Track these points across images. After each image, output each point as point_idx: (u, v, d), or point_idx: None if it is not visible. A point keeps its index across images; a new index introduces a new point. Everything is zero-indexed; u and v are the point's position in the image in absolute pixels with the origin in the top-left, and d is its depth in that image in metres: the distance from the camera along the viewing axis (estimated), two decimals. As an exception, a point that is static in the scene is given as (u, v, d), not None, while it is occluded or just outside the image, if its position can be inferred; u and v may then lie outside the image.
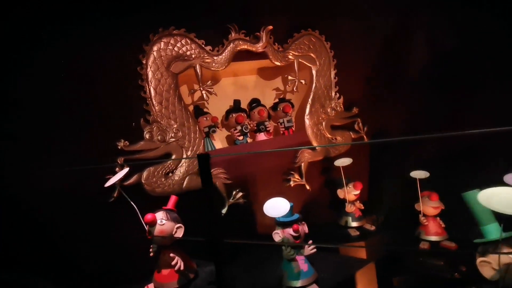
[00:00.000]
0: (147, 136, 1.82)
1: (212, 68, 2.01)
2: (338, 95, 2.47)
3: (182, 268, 1.43)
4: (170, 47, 1.88)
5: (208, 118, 2.15)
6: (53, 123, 1.58)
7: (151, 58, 1.82)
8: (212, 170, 1.98)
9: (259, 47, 2.11)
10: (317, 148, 2.38)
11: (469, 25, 2.24)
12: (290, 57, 2.26)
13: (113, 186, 1.65)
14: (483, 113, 2.16)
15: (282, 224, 1.61)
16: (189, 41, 1.93)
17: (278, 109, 2.37)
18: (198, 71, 1.97)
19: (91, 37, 1.65)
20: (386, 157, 2.44)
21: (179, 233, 1.47)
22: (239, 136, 2.23)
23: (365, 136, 2.54)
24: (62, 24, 1.58)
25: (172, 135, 1.89)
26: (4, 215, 1.42)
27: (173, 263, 1.42)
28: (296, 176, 2.32)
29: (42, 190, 1.47)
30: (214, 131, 2.13)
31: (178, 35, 1.89)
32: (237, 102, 2.27)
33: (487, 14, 2.16)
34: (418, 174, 2.01)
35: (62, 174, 1.48)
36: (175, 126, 1.90)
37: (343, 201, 2.27)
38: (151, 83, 1.82)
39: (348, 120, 2.54)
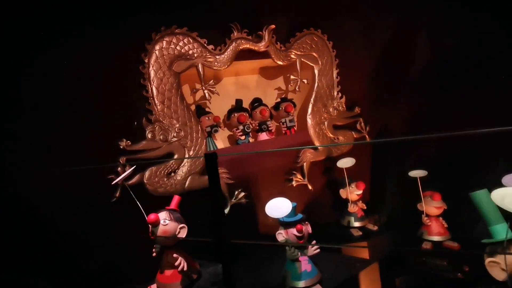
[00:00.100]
0: (149, 135, 1.80)
1: (214, 67, 2.00)
2: (340, 94, 2.46)
3: (185, 268, 1.42)
4: (172, 46, 1.86)
5: (210, 118, 2.14)
6: (55, 122, 1.56)
7: (153, 57, 1.81)
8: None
9: (261, 46, 2.10)
10: (319, 147, 2.37)
11: (471, 25, 2.23)
12: (292, 56, 2.26)
13: (115, 186, 1.65)
14: (485, 113, 2.15)
15: (286, 224, 1.60)
16: (191, 40, 1.91)
17: (280, 108, 2.36)
18: (200, 70, 1.96)
19: (92, 36, 1.63)
20: (388, 157, 2.43)
21: (182, 234, 1.45)
22: (241, 135, 2.22)
23: (367, 136, 2.54)
24: (63, 23, 1.57)
25: (174, 134, 1.87)
26: (6, 215, 1.40)
27: (176, 263, 1.41)
28: (298, 176, 2.31)
29: (44, 190, 1.45)
30: (216, 131, 2.11)
31: (180, 34, 1.88)
32: (239, 102, 2.26)
33: (488, 14, 2.16)
34: (417, 173, 2.00)
35: (64, 174, 1.47)
36: (177, 125, 1.89)
37: (346, 201, 2.26)
38: (153, 82, 1.81)
39: (350, 119, 2.53)
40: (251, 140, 2.27)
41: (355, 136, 2.52)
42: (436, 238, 2.03)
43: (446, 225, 2.06)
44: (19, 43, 1.49)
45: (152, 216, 1.39)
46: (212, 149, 2.11)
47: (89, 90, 1.64)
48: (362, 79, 2.52)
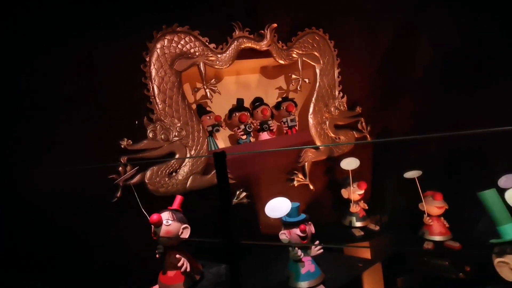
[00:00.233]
0: (150, 135, 1.78)
1: (216, 66, 1.98)
2: (341, 94, 2.45)
3: (188, 269, 1.40)
4: (174, 45, 1.84)
5: (211, 117, 2.12)
6: (55, 121, 1.54)
7: (155, 56, 1.79)
8: (215, 170, 1.98)
9: (263, 45, 2.09)
10: (320, 147, 2.36)
11: (472, 25, 2.24)
12: (294, 55, 2.24)
13: (116, 185, 1.63)
14: (486, 113, 2.16)
15: (289, 224, 1.59)
16: (193, 39, 1.89)
17: (281, 108, 2.35)
18: (201, 69, 1.94)
19: (93, 34, 1.61)
20: (389, 157, 2.43)
21: (185, 234, 1.44)
22: (242, 135, 2.20)
23: (368, 136, 2.53)
24: (64, 22, 1.54)
25: (176, 134, 1.85)
26: (7, 214, 1.38)
27: (179, 264, 1.39)
28: (300, 175, 2.30)
29: (45, 189, 1.43)
30: (217, 130, 2.10)
31: (181, 33, 1.86)
32: (240, 101, 2.24)
33: (488, 14, 2.16)
34: (412, 174, 2.00)
35: (64, 173, 1.45)
36: (179, 125, 1.87)
37: (347, 201, 2.26)
38: (155, 81, 1.79)
39: (352, 119, 2.52)
40: (252, 139, 2.26)
41: (356, 136, 2.52)
42: (437, 238, 2.04)
43: (447, 225, 2.06)
44: (19, 41, 1.46)
45: (154, 217, 1.37)
46: (213, 148, 2.10)
47: (90, 89, 1.62)
48: (363, 78, 2.52)
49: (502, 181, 1.72)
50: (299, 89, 2.34)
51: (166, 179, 1.82)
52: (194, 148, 1.91)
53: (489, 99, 2.17)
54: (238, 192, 2.05)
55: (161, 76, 1.81)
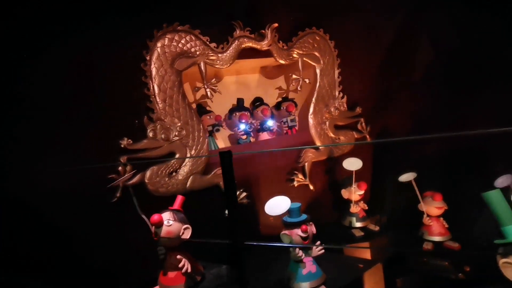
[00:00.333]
0: (150, 134, 1.77)
1: (216, 66, 1.97)
2: (341, 94, 2.45)
3: (189, 270, 1.39)
4: (175, 44, 1.83)
5: (211, 117, 2.11)
6: (55, 121, 1.52)
7: (155, 55, 1.77)
8: (215, 170, 1.97)
9: (264, 44, 2.08)
10: (320, 147, 2.36)
11: (472, 26, 2.24)
12: (294, 55, 2.24)
13: (116, 186, 1.61)
14: (486, 113, 2.16)
15: (290, 224, 1.58)
16: (193, 38, 1.88)
17: (282, 108, 2.35)
18: (202, 68, 1.93)
19: (93, 32, 1.59)
20: (389, 157, 2.43)
21: (187, 234, 1.42)
22: (242, 135, 2.19)
23: (368, 136, 2.53)
24: (63, 21, 1.53)
25: (176, 133, 1.84)
26: (7, 214, 1.36)
27: (180, 265, 1.38)
28: (300, 176, 2.29)
29: (44, 189, 1.41)
30: (218, 130, 2.09)
31: (182, 32, 1.85)
32: (240, 101, 2.23)
33: (490, 15, 2.17)
34: (407, 177, 2.00)
35: (64, 173, 1.43)
36: (179, 124, 1.85)
37: (347, 201, 2.26)
38: (155, 80, 1.77)
39: (352, 119, 2.52)
40: (252, 139, 2.25)
41: (356, 136, 2.52)
42: (437, 238, 2.04)
43: (446, 225, 2.07)
44: (19, 41, 1.44)
45: (155, 217, 1.35)
46: (213, 148, 2.09)
47: (90, 88, 1.60)
48: (363, 79, 2.52)
49: (499, 182, 1.73)
50: (299, 89, 2.34)
51: (166, 179, 1.80)
52: (194, 148, 1.90)
53: (489, 99, 2.17)
54: (238, 193, 2.04)
55: (162, 75, 1.79)
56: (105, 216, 1.57)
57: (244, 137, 2.20)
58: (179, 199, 1.51)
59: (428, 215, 2.05)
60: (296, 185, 2.27)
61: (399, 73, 2.54)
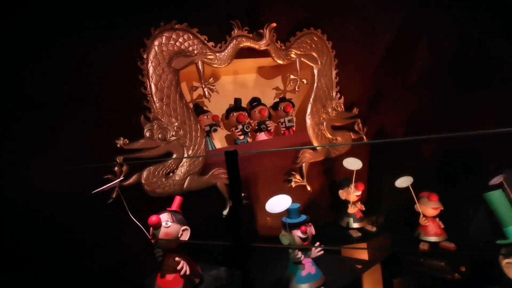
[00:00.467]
0: (147, 134, 1.73)
1: (214, 65, 1.95)
2: (339, 95, 2.45)
3: (188, 272, 1.37)
4: (172, 42, 1.80)
5: (209, 117, 2.09)
6: (49, 120, 1.47)
7: (152, 53, 1.74)
8: (213, 170, 1.94)
9: (262, 44, 2.07)
10: (318, 148, 2.36)
11: (470, 26, 2.27)
12: (292, 55, 2.23)
13: (112, 187, 1.58)
14: (483, 114, 2.19)
15: (290, 225, 1.57)
16: (191, 37, 1.86)
17: (279, 108, 2.33)
18: (200, 67, 1.90)
19: (89, 30, 1.55)
20: (385, 158, 2.44)
21: (185, 236, 1.40)
22: (240, 135, 2.17)
23: (364, 137, 2.54)
24: (59, 17, 1.49)
25: (173, 133, 1.81)
26: (2, 214, 1.31)
27: (178, 267, 1.35)
28: (297, 176, 2.28)
29: (38, 189, 1.37)
30: (215, 130, 2.06)
31: (180, 30, 1.82)
32: (238, 101, 2.21)
33: (488, 15, 2.19)
34: (403, 182, 1.99)
35: (58, 173, 1.39)
36: (176, 124, 1.82)
37: (344, 202, 2.25)
38: (152, 79, 1.74)
39: (349, 120, 2.52)
40: (249, 140, 2.23)
41: (353, 137, 2.52)
42: (433, 238, 2.05)
43: (442, 226, 2.08)
44: (15, 40, 1.40)
45: (153, 218, 1.33)
46: (210, 148, 2.06)
47: (85, 86, 1.56)
48: (361, 79, 2.52)
49: (493, 180, 1.75)
50: (297, 89, 2.33)
51: (163, 179, 1.77)
52: (191, 148, 1.87)
53: (485, 101, 2.20)
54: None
55: (159, 74, 1.76)
56: (100, 217, 1.53)
57: (242, 137, 2.18)
58: (177, 200, 1.49)
59: (424, 216, 2.06)
60: (293, 186, 2.26)
61: (396, 74, 2.55)
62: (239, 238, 0.88)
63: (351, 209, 2.21)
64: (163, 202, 1.60)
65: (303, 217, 1.59)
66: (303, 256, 1.55)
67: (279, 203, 1.45)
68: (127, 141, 1.66)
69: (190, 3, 1.85)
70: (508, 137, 0.96)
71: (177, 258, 1.37)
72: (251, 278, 0.91)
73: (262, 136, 2.26)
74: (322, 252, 1.58)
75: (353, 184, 2.17)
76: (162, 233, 1.35)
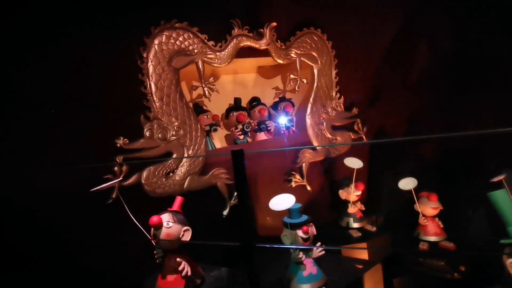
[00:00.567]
0: (147, 133, 1.72)
1: (214, 64, 1.93)
2: (338, 95, 2.45)
3: (189, 273, 1.35)
4: (172, 41, 1.79)
5: (208, 116, 2.08)
6: (49, 120, 1.46)
7: (152, 52, 1.73)
8: (213, 170, 1.93)
9: (262, 44, 2.06)
10: (318, 148, 2.35)
11: (470, 26, 2.27)
12: (292, 55, 2.22)
13: (111, 187, 1.56)
14: (482, 114, 2.20)
15: (291, 225, 1.56)
16: (191, 36, 1.84)
17: (279, 108, 2.33)
18: (200, 66, 1.89)
19: (89, 29, 1.54)
20: (385, 158, 2.44)
21: (187, 236, 1.38)
22: (240, 135, 2.16)
23: (364, 137, 2.54)
24: (59, 17, 1.47)
25: (173, 133, 1.80)
26: (1, 214, 1.30)
27: (180, 268, 1.34)
28: (298, 176, 2.28)
29: (37, 189, 1.35)
30: (215, 130, 2.05)
31: (180, 29, 1.81)
32: (238, 100, 2.20)
33: (487, 15, 2.19)
34: (406, 184, 1.99)
35: (58, 173, 1.37)
36: (176, 123, 1.81)
37: (344, 202, 2.25)
38: (152, 78, 1.73)
39: (348, 120, 2.52)
40: (249, 140, 2.22)
41: (352, 137, 2.52)
42: (432, 238, 2.05)
43: (442, 226, 2.08)
44: (14, 39, 1.38)
45: (154, 219, 1.31)
46: (210, 148, 2.05)
47: (85, 86, 1.55)
48: (360, 79, 2.52)
49: (495, 179, 1.75)
50: (297, 89, 2.33)
51: (163, 179, 1.76)
52: (192, 147, 1.86)
53: (485, 101, 2.20)
54: (235, 193, 2.01)
55: (159, 73, 1.75)
56: (100, 217, 1.52)
57: (242, 137, 2.17)
58: (179, 200, 1.47)
59: (423, 215, 2.07)
60: (293, 186, 2.26)
61: (396, 74, 2.55)
62: (246, 238, 0.87)
63: (351, 209, 2.20)
64: (163, 202, 1.59)
65: (305, 217, 1.59)
66: (304, 256, 1.54)
67: (282, 202, 1.45)
68: (127, 141, 1.65)
69: (191, 2, 1.84)
70: (508, 137, 0.96)
71: (178, 259, 1.36)
72: (258, 278, 0.90)
73: (262, 136, 2.25)
74: (323, 252, 1.57)
75: (353, 184, 2.17)
76: (164, 233, 1.33)
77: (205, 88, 1.95)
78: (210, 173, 1.91)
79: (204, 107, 2.14)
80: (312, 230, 1.58)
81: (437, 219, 2.10)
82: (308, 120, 2.33)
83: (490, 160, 2.07)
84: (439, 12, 2.35)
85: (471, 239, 2.07)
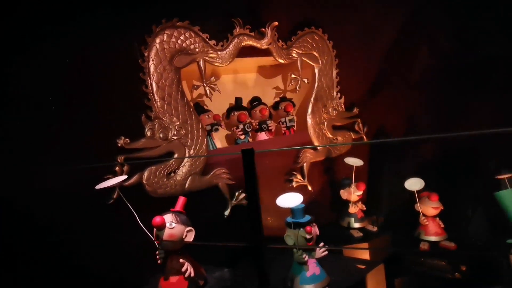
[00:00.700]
0: (148, 133, 1.70)
1: (215, 64, 1.92)
2: (339, 95, 2.45)
3: (192, 274, 1.34)
4: (173, 40, 1.77)
5: (210, 116, 2.06)
6: (49, 119, 1.43)
7: (154, 51, 1.71)
8: (214, 170, 1.92)
9: (263, 43, 2.05)
10: (319, 148, 2.35)
11: (470, 26, 2.28)
12: (293, 55, 2.22)
13: (112, 187, 1.54)
14: (482, 114, 2.20)
15: (294, 225, 1.55)
16: (193, 35, 1.83)
17: (280, 108, 2.32)
18: (201, 66, 1.87)
19: (89, 27, 1.52)
20: (386, 158, 2.44)
21: (190, 237, 1.37)
22: (241, 135, 2.15)
23: (364, 137, 2.54)
24: (60, 15, 1.45)
25: (175, 132, 1.78)
26: (2, 213, 1.27)
27: (183, 269, 1.32)
28: (299, 176, 2.27)
29: (37, 189, 1.33)
30: (217, 129, 2.04)
31: (181, 28, 1.79)
32: (238, 100, 2.19)
33: (488, 16, 2.20)
34: (413, 185, 1.98)
35: (58, 172, 1.35)
36: (178, 123, 1.79)
37: (345, 202, 2.25)
38: (153, 77, 1.71)
39: (349, 120, 2.52)
40: (250, 140, 2.21)
41: (353, 137, 2.52)
42: (433, 238, 2.05)
43: (442, 225, 2.09)
44: (14, 38, 1.36)
45: (157, 219, 1.29)
46: (211, 148, 2.04)
47: (86, 85, 1.52)
48: (361, 79, 2.53)
49: (500, 176, 1.75)
50: (298, 89, 2.32)
51: (165, 179, 1.74)
52: (193, 147, 1.85)
53: (486, 101, 2.21)
54: (237, 194, 1.99)
55: (160, 72, 1.73)
56: (101, 218, 1.50)
57: (243, 137, 2.16)
58: (181, 200, 1.45)
59: (424, 215, 2.07)
60: (294, 186, 2.25)
61: (396, 73, 2.55)
62: (257, 239, 0.86)
63: (352, 209, 2.20)
64: (165, 202, 1.58)
65: (308, 217, 1.58)
66: (307, 257, 1.53)
67: (290, 199, 1.44)
68: (128, 141, 1.63)
69: (192, 1, 1.82)
70: (508, 137, 0.96)
71: (181, 260, 1.34)
72: (269, 280, 0.89)
73: (262, 136, 2.24)
74: (326, 252, 1.57)
75: (353, 180, 2.16)
76: (166, 234, 1.32)
77: (207, 88, 1.94)
78: (212, 173, 1.90)
79: (205, 107, 2.13)
80: (315, 230, 1.57)
81: (437, 219, 2.10)
82: (309, 120, 2.33)
83: (490, 160, 2.08)
84: (439, 12, 2.36)
85: (472, 239, 2.08)
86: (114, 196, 1.56)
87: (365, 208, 2.27)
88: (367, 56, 2.48)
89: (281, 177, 2.25)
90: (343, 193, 2.25)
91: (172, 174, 1.77)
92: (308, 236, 1.52)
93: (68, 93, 1.48)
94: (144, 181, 1.67)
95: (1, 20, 1.32)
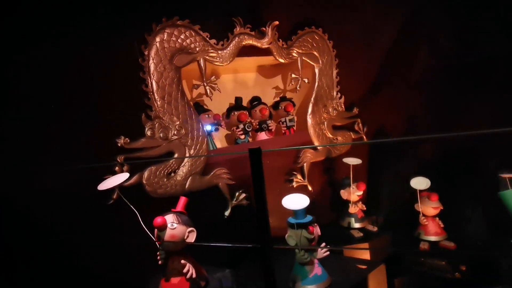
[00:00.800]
0: (148, 133, 1.69)
1: (216, 63, 1.91)
2: (339, 94, 2.45)
3: (194, 275, 1.33)
4: (174, 39, 1.76)
5: (210, 116, 2.05)
6: (49, 119, 1.42)
7: (154, 50, 1.70)
8: (214, 170, 1.91)
9: (264, 42, 2.04)
10: (319, 148, 2.34)
11: (470, 26, 2.28)
12: (294, 54, 2.21)
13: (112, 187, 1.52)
14: (482, 114, 2.21)
15: (296, 226, 1.55)
16: (193, 33, 1.82)
17: (280, 108, 2.31)
18: (202, 65, 1.86)
19: (89, 25, 1.50)
20: (385, 158, 2.44)
21: (191, 238, 1.36)
22: (241, 134, 2.14)
23: (364, 137, 2.54)
24: (59, 14, 1.43)
25: (175, 132, 1.77)
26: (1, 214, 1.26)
27: (184, 270, 1.31)
28: (299, 176, 2.26)
29: (38, 189, 1.31)
30: (217, 129, 2.03)
31: (182, 27, 1.78)
32: (239, 100, 2.18)
33: (488, 15, 2.21)
34: (418, 184, 1.97)
35: (58, 172, 1.33)
36: (178, 123, 1.78)
37: (345, 202, 2.24)
38: (153, 76, 1.70)
39: (349, 120, 2.52)
40: (250, 139, 2.20)
41: (353, 137, 2.52)
42: (433, 238, 2.05)
43: (442, 225, 2.09)
44: (13, 38, 1.34)
45: (158, 220, 1.28)
46: (211, 148, 2.02)
47: (85, 84, 1.51)
48: (361, 79, 2.53)
49: (503, 174, 1.74)
50: (298, 88, 2.31)
51: (165, 179, 1.73)
52: (193, 147, 1.83)
53: (485, 101, 2.22)
54: (237, 194, 1.98)
55: (160, 71, 1.72)
56: (101, 218, 1.48)
57: (243, 137, 2.15)
58: (182, 200, 1.44)
59: (424, 215, 2.07)
60: (295, 186, 2.24)
61: (396, 74, 2.56)
62: (264, 240, 0.84)
63: (352, 209, 2.20)
64: (165, 203, 1.57)
65: (309, 217, 1.57)
66: (309, 257, 1.53)
67: (297, 201, 1.43)
68: (128, 140, 1.62)
69: (193, 0, 1.81)
70: (508, 137, 0.96)
71: (182, 261, 1.33)
72: (275, 281, 0.88)
73: (262, 136, 2.23)
74: (328, 252, 1.56)
75: (351, 179, 2.16)
76: (168, 235, 1.30)
77: (207, 87, 1.93)
78: (212, 173, 1.89)
79: (205, 106, 2.11)
80: (317, 230, 1.57)
81: (437, 218, 2.10)
82: (309, 120, 2.32)
83: (490, 160, 2.08)
84: (439, 12, 2.36)
85: (472, 239, 2.08)
86: (114, 197, 1.54)
87: (365, 208, 2.27)
88: (367, 56, 2.48)
89: (281, 177, 2.24)
90: (343, 193, 2.25)
91: (172, 174, 1.76)
92: (310, 237, 1.52)
93: (68, 93, 1.46)
94: (144, 181, 1.66)
95: (1, 20, 1.31)
